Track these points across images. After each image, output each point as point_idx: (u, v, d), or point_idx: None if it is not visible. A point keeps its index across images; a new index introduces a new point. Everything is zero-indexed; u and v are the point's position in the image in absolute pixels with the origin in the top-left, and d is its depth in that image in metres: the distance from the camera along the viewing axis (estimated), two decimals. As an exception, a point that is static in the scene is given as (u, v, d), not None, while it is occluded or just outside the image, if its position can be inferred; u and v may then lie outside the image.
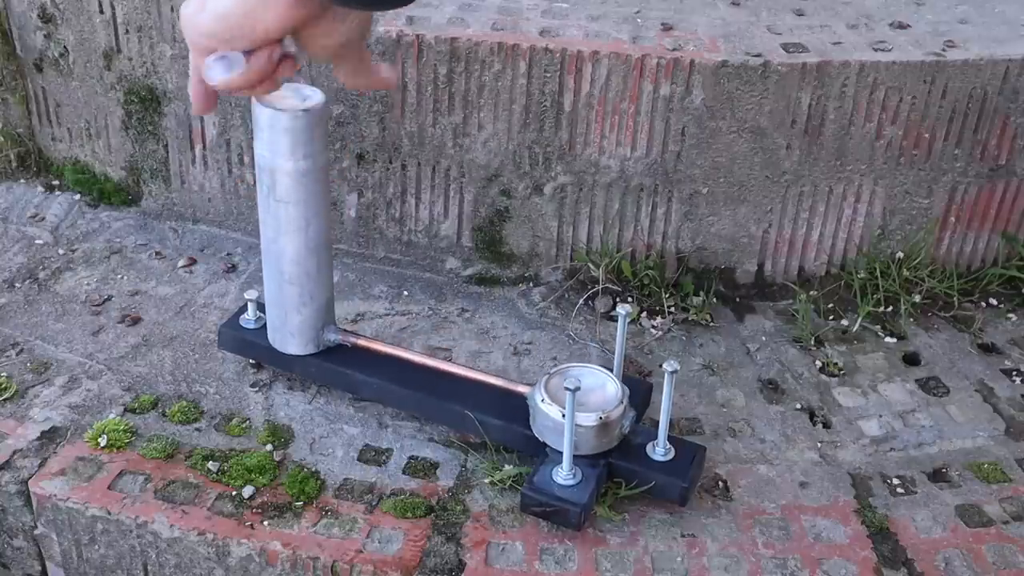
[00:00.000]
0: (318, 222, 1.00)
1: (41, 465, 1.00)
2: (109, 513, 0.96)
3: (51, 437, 1.04)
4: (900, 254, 1.27)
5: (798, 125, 1.17)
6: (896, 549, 0.96)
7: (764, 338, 1.21)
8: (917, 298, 1.26)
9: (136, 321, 1.20)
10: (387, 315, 1.23)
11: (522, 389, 1.01)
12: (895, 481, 1.03)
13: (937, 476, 1.05)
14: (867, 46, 1.19)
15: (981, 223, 1.28)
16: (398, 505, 0.97)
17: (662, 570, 0.93)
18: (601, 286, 1.24)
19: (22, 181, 1.46)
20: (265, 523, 0.95)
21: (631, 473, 0.97)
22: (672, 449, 0.97)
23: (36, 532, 1.00)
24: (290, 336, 1.06)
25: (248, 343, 1.11)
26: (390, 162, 1.25)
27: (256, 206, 1.02)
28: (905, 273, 1.27)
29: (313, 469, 1.01)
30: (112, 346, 1.16)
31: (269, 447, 1.03)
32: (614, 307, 1.23)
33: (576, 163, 1.21)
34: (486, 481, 1.00)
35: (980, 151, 1.23)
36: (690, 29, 1.21)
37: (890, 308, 1.26)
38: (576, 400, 0.91)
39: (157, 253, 1.32)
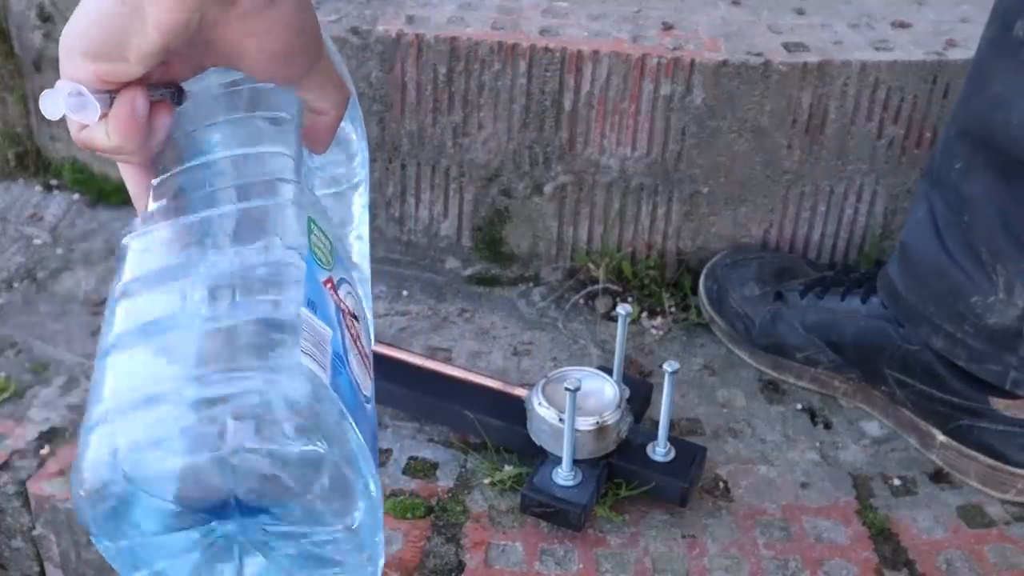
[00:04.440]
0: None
1: (40, 466, 1.00)
2: (108, 514, 0.96)
3: (50, 437, 1.04)
4: (901, 254, 1.27)
5: (799, 124, 1.17)
6: (897, 550, 0.96)
7: (765, 338, 1.21)
8: (918, 298, 1.25)
9: (135, 321, 1.20)
10: (386, 315, 1.23)
11: (520, 392, 1.00)
12: (896, 482, 1.03)
13: (938, 477, 1.04)
14: (868, 45, 1.18)
15: (982, 223, 1.28)
16: (397, 506, 0.97)
17: (663, 571, 0.93)
18: (601, 286, 1.24)
19: (20, 180, 1.45)
20: (264, 524, 0.95)
21: (631, 474, 0.97)
22: (672, 450, 0.97)
23: (34, 533, 1.00)
24: (289, 336, 1.06)
25: (247, 343, 1.10)
26: (389, 162, 1.24)
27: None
28: (906, 273, 1.26)
29: (312, 470, 1.01)
30: (111, 346, 1.16)
31: (268, 447, 1.03)
32: (614, 307, 1.23)
33: (576, 163, 1.21)
34: (486, 482, 1.00)
35: (981, 151, 1.23)
36: (691, 28, 1.20)
37: (891, 308, 1.25)
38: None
39: (156, 253, 1.32)
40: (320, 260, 0.57)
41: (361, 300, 0.63)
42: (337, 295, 0.57)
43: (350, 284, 0.61)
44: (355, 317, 0.59)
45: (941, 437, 1.04)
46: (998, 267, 0.95)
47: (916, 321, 1.02)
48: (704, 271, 1.22)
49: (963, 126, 0.97)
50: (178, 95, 0.57)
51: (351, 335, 0.57)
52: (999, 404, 1.00)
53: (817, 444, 1.08)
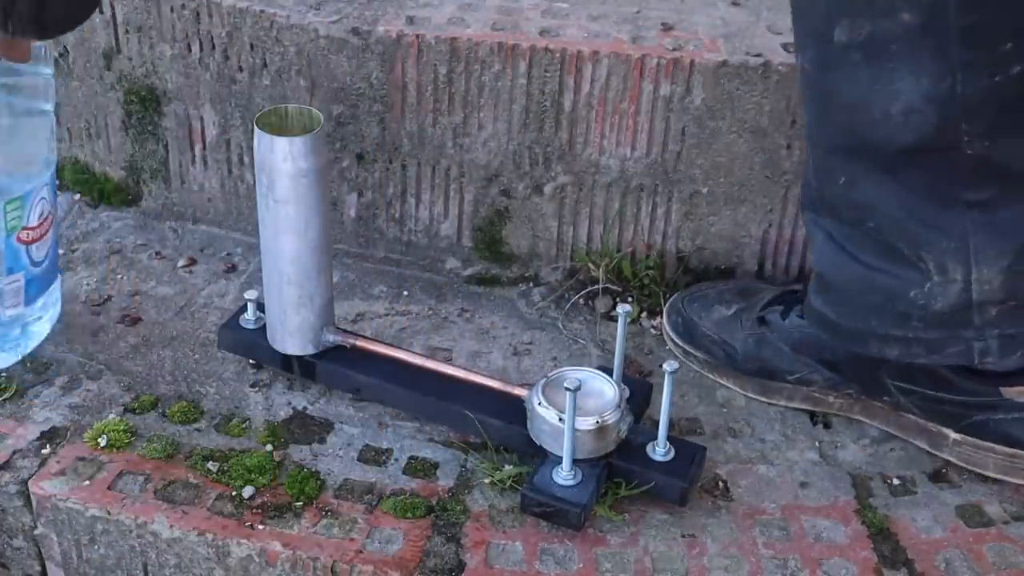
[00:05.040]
0: (317, 222, 1.00)
1: (41, 465, 1.00)
2: (109, 513, 0.96)
3: (51, 437, 1.04)
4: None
5: (799, 125, 1.17)
6: (896, 549, 0.96)
7: (764, 338, 1.21)
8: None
9: (136, 321, 1.20)
10: (387, 315, 1.23)
11: (519, 391, 1.01)
12: (895, 481, 1.03)
13: (937, 476, 1.05)
14: (867, 46, 1.18)
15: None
16: (398, 505, 0.97)
17: (662, 570, 0.93)
18: (601, 286, 1.24)
19: (22, 181, 1.46)
20: (265, 523, 0.95)
21: (631, 473, 0.97)
22: (672, 449, 0.98)
23: (36, 532, 1.00)
24: (289, 336, 1.06)
25: (248, 343, 1.11)
26: (390, 162, 1.25)
27: (256, 206, 1.02)
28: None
29: (313, 469, 1.01)
30: (112, 346, 1.16)
31: (269, 447, 1.03)
32: (614, 307, 1.23)
33: (576, 163, 1.21)
34: (486, 481, 1.00)
35: (980, 151, 1.23)
36: (690, 29, 1.21)
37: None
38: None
39: (157, 253, 1.32)
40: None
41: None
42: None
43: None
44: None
45: (954, 435, 1.03)
46: (922, 254, 0.94)
47: (862, 340, 1.01)
48: (665, 309, 1.20)
49: (829, 144, 0.97)
50: None
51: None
52: (1012, 393, 1.00)
53: (816, 444, 1.08)
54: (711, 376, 1.15)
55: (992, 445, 1.01)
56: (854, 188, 0.96)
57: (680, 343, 1.17)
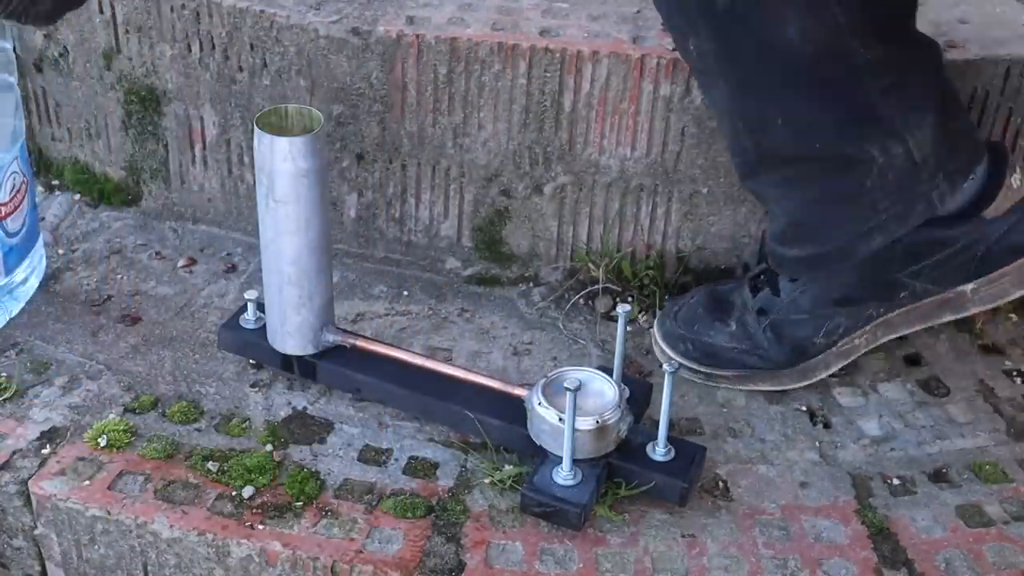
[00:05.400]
0: (317, 222, 1.00)
1: (41, 465, 1.00)
2: (109, 513, 0.96)
3: (51, 437, 1.04)
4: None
5: (798, 125, 1.17)
6: (896, 549, 0.96)
7: (764, 338, 1.21)
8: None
9: (136, 321, 1.20)
10: (387, 315, 1.23)
11: (519, 391, 1.01)
12: (895, 481, 1.03)
13: (937, 476, 1.05)
14: (867, 46, 1.18)
15: (981, 223, 1.28)
16: (398, 505, 0.97)
17: (662, 570, 0.93)
18: (601, 286, 1.24)
19: (22, 181, 1.45)
20: (265, 523, 0.95)
21: (631, 473, 0.98)
22: (672, 449, 0.98)
23: (36, 532, 1.00)
24: (289, 336, 1.06)
25: (248, 343, 1.11)
26: (390, 162, 1.25)
27: (256, 206, 1.02)
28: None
29: (313, 469, 1.01)
30: (112, 346, 1.16)
31: (269, 447, 1.03)
32: (614, 307, 1.23)
33: (576, 163, 1.21)
34: (486, 481, 1.00)
35: (980, 151, 1.23)
36: (690, 29, 1.20)
37: (890, 308, 1.25)
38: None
39: (157, 253, 1.32)
40: None
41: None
42: None
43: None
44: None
45: (970, 286, 1.10)
46: (864, 146, 1.01)
47: (850, 251, 1.07)
48: (660, 338, 1.16)
49: (759, 92, 1.01)
50: None
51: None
52: (991, 212, 1.08)
53: (816, 444, 1.08)
54: (745, 388, 1.14)
55: (1004, 269, 1.08)
56: (790, 124, 1.01)
57: (704, 368, 1.14)
